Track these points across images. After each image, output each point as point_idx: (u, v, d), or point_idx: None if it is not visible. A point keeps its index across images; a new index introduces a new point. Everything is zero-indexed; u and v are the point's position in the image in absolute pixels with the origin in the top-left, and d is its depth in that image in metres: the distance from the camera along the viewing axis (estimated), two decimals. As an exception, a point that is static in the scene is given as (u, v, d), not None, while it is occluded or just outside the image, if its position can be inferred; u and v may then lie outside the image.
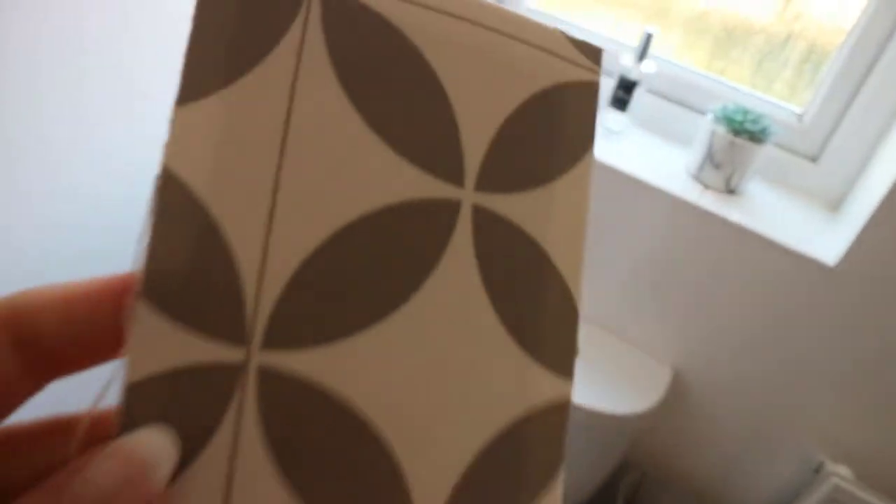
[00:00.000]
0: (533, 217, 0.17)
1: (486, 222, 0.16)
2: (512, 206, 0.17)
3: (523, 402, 0.16)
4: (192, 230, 0.14)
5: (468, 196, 0.16)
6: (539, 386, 0.16)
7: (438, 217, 0.16)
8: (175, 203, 0.14)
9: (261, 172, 0.14)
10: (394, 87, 0.16)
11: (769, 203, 0.84)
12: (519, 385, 0.16)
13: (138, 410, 0.13)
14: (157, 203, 0.14)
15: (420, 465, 0.15)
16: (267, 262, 0.14)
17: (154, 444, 0.13)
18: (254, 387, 0.14)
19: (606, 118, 0.88)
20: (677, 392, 0.90)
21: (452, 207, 0.16)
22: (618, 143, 0.87)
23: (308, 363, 0.14)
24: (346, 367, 0.14)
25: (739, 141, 0.78)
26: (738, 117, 0.79)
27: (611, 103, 0.87)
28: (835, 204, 0.85)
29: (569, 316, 0.17)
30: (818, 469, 0.84)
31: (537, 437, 0.16)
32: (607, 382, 0.81)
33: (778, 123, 0.83)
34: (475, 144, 0.17)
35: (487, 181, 0.17)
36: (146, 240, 0.14)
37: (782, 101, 0.89)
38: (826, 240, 0.78)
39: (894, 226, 0.70)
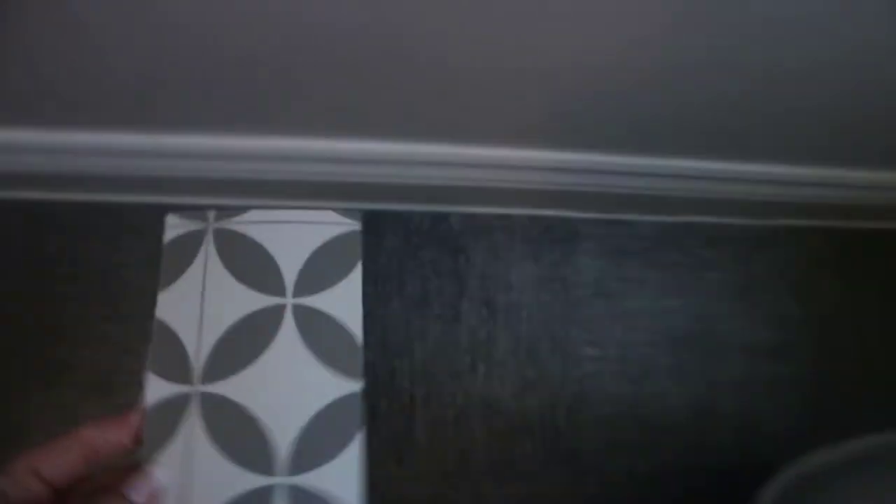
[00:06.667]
0: (332, 303, 0.35)
1: (298, 310, 0.35)
2: (314, 301, 0.35)
3: (329, 396, 0.34)
4: (163, 332, 0.34)
5: (289, 300, 0.35)
6: (336, 387, 0.34)
7: (273, 314, 0.35)
8: (158, 327, 0.34)
9: (194, 311, 0.35)
10: (253, 260, 0.36)
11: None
12: (325, 387, 0.34)
13: (150, 424, 0.32)
14: (153, 325, 0.34)
15: (277, 427, 0.32)
16: (200, 346, 0.34)
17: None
18: (198, 402, 0.33)
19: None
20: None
21: (280, 310, 0.35)
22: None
23: (217, 387, 0.33)
24: (233, 387, 0.33)
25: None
26: None
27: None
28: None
29: (356, 349, 0.35)
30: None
31: (340, 414, 0.33)
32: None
33: None
34: (290, 273, 0.36)
35: (302, 290, 0.36)
36: (150, 345, 0.34)
37: None
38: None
39: None
